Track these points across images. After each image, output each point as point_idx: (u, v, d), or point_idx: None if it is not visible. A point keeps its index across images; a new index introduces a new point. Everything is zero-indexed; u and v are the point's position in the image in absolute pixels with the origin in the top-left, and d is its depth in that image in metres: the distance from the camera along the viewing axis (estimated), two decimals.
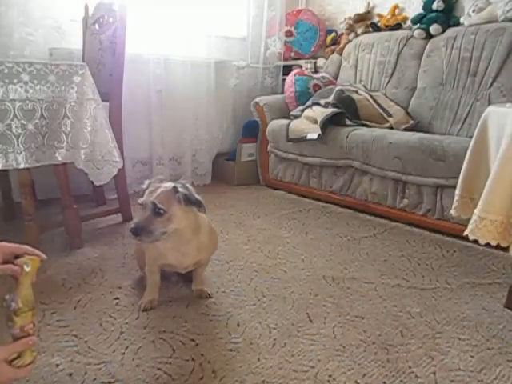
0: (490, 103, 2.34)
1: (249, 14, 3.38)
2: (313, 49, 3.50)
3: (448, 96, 2.57)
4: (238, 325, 1.30)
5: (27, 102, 1.58)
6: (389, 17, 3.08)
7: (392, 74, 2.90)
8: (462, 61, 2.53)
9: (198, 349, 1.18)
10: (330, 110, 2.56)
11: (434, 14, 2.71)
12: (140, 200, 1.25)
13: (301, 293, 1.51)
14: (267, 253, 1.86)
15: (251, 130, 3.14)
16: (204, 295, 1.46)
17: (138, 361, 1.12)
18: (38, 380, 1.04)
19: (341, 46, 3.28)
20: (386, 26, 3.06)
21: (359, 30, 3.20)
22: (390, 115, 2.63)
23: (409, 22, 2.96)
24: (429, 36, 2.76)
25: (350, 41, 3.24)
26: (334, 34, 3.43)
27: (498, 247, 1.38)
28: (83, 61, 2.30)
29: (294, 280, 1.61)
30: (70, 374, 1.06)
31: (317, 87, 3.02)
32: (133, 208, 2.26)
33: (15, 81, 1.55)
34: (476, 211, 1.29)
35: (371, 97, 2.72)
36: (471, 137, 1.47)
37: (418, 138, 2.13)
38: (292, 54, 3.54)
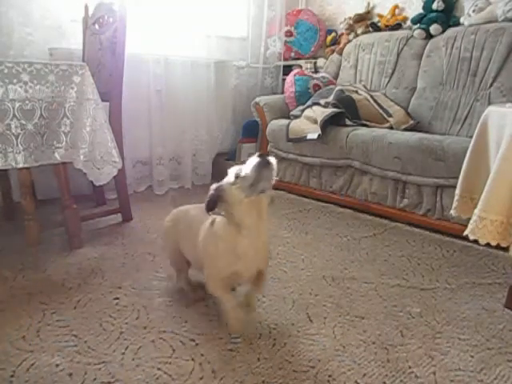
0: (490, 103, 2.34)
1: (249, 14, 3.39)
2: (313, 49, 3.50)
3: (448, 96, 2.57)
4: None
5: (27, 101, 1.58)
6: (389, 17, 3.08)
7: (392, 73, 2.90)
8: (462, 61, 2.53)
9: (197, 349, 1.18)
10: (330, 110, 2.56)
11: (434, 14, 2.71)
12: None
13: (301, 293, 1.51)
14: None
15: (251, 130, 3.14)
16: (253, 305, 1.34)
17: (137, 361, 1.12)
18: (37, 380, 1.04)
19: (341, 46, 3.28)
20: (386, 26, 3.07)
21: (359, 30, 3.20)
22: (390, 115, 2.63)
23: (409, 22, 2.97)
24: (429, 36, 2.76)
25: (349, 41, 3.24)
26: (333, 34, 3.44)
27: (498, 247, 1.38)
28: (83, 61, 2.30)
29: (294, 280, 1.61)
30: (70, 374, 1.06)
31: (317, 87, 3.02)
32: (133, 208, 2.26)
33: (15, 81, 1.55)
34: (476, 211, 1.29)
35: (371, 97, 2.72)
36: (471, 137, 1.47)
37: (418, 138, 2.13)
38: (292, 54, 3.54)
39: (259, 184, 1.09)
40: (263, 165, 1.08)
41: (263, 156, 1.09)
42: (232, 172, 1.14)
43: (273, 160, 1.10)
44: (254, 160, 1.09)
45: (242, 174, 1.11)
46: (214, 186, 1.17)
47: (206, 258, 1.24)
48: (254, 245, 1.17)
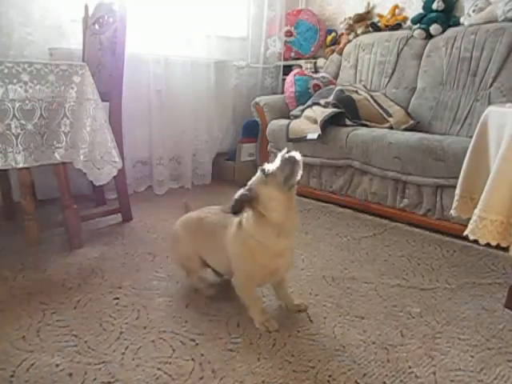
0: (490, 103, 2.34)
1: (249, 14, 3.39)
2: (313, 49, 3.50)
3: (448, 96, 2.57)
4: (238, 325, 1.30)
5: (27, 101, 1.58)
6: (389, 17, 3.08)
7: (392, 73, 2.90)
8: (462, 61, 2.53)
9: (197, 349, 1.18)
10: (330, 110, 2.56)
11: (434, 14, 2.72)
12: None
13: (301, 293, 1.51)
14: None
15: (251, 130, 3.14)
16: (303, 308, 1.38)
17: (137, 361, 1.12)
18: (37, 380, 1.04)
19: (341, 46, 3.28)
20: (386, 26, 3.07)
21: (359, 30, 3.20)
22: (390, 115, 2.63)
23: (409, 22, 2.97)
24: (429, 36, 2.76)
25: (349, 41, 3.24)
26: (333, 34, 3.44)
27: (498, 247, 1.38)
28: (83, 61, 2.30)
29: (294, 280, 1.60)
30: (70, 374, 1.06)
31: (317, 87, 3.02)
32: (133, 208, 2.26)
33: (15, 81, 1.55)
34: (476, 211, 1.29)
35: (371, 97, 2.72)
36: (471, 137, 1.47)
37: (418, 138, 2.13)
38: (292, 54, 3.54)
39: (292, 179, 1.13)
40: (294, 160, 1.12)
41: (291, 152, 1.14)
42: (260, 172, 1.17)
43: (299, 156, 1.14)
44: (282, 157, 1.13)
45: (272, 171, 1.14)
46: (241, 190, 1.18)
47: (238, 259, 1.26)
48: (289, 240, 1.21)
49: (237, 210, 1.16)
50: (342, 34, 3.34)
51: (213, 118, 3.13)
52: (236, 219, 1.28)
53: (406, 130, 2.50)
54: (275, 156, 2.68)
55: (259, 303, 1.33)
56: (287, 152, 1.14)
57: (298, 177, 1.14)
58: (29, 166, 1.64)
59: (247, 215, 1.24)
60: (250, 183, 1.19)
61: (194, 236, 1.43)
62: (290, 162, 1.12)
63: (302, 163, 1.14)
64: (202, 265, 1.46)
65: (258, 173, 1.18)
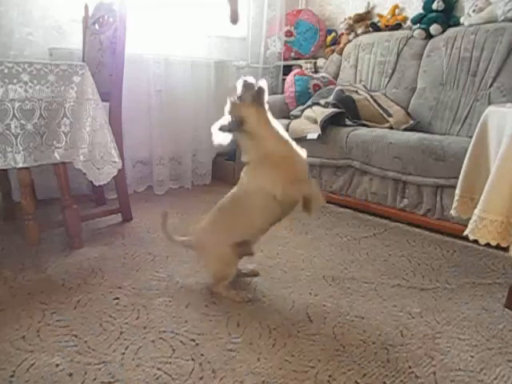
0: (490, 103, 2.34)
1: (249, 14, 3.38)
2: (313, 49, 3.50)
3: (448, 96, 2.57)
4: (238, 325, 1.30)
5: (27, 101, 1.58)
6: (389, 17, 3.08)
7: (392, 73, 2.90)
8: (462, 61, 2.53)
9: (197, 349, 1.18)
10: (330, 110, 2.56)
11: (434, 14, 2.72)
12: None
13: (301, 293, 1.51)
14: (267, 253, 1.86)
15: None
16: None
17: (137, 361, 1.12)
18: (38, 380, 1.04)
19: (341, 46, 3.28)
20: (386, 26, 3.07)
21: (359, 30, 3.21)
22: (390, 115, 2.63)
23: (409, 22, 2.97)
24: (429, 36, 2.76)
25: (350, 41, 3.24)
26: (334, 34, 3.44)
27: (498, 247, 1.38)
28: (83, 61, 2.30)
29: (294, 280, 1.60)
30: (70, 374, 1.06)
31: (317, 87, 3.02)
32: (133, 208, 2.26)
33: (15, 81, 1.54)
34: (476, 211, 1.29)
35: (371, 97, 2.72)
36: (471, 137, 1.47)
37: (418, 138, 2.13)
38: (292, 54, 3.54)
39: (261, 94, 1.34)
40: (251, 83, 1.35)
41: (247, 78, 1.36)
42: (231, 101, 1.40)
43: (254, 80, 1.36)
44: (242, 84, 1.36)
45: (241, 97, 1.37)
46: (224, 120, 1.42)
47: (266, 177, 1.35)
48: (288, 143, 1.35)
49: (234, 128, 1.39)
50: (342, 34, 3.34)
51: (213, 118, 3.10)
52: (242, 173, 1.45)
53: (406, 129, 2.50)
54: None
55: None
56: (244, 80, 1.35)
57: (266, 96, 1.36)
58: (28, 165, 1.63)
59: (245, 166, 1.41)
60: (227, 113, 1.41)
61: (221, 229, 1.44)
62: (250, 85, 1.34)
63: (265, 85, 1.34)
64: (236, 264, 1.46)
65: (229, 103, 1.39)
